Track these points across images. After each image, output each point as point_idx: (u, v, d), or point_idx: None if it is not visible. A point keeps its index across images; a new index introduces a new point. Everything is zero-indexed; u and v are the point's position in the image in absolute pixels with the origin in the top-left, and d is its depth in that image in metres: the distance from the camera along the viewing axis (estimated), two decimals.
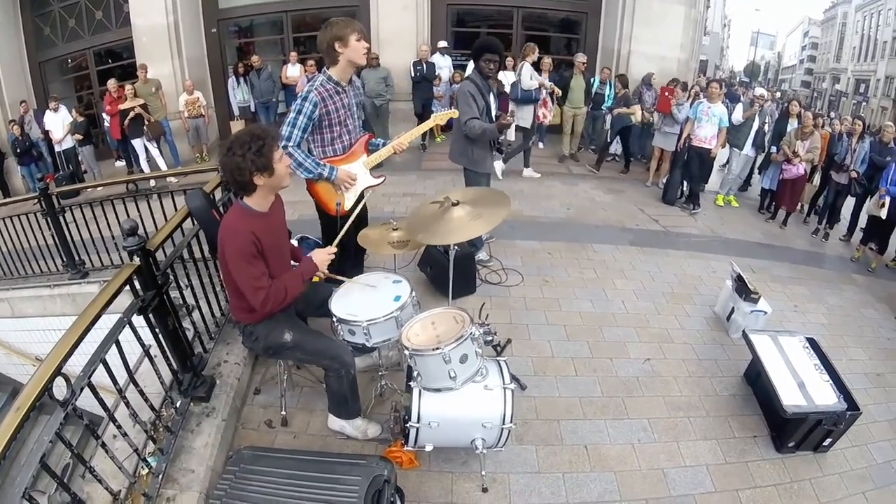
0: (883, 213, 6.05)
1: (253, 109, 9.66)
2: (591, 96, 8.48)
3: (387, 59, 8.87)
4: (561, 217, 6.34)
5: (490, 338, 2.59)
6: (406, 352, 2.40)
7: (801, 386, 3.20)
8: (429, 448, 2.55)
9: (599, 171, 8.18)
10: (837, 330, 4.63)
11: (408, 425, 2.47)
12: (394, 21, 8.89)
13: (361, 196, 3.39)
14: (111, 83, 8.92)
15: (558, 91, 8.02)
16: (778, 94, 13.24)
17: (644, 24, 8.81)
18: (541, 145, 9.34)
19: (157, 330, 2.76)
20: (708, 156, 7.01)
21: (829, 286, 5.48)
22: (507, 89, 7.97)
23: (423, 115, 9.04)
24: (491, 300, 4.08)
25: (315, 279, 2.76)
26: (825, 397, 3.14)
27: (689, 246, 5.78)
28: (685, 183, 7.24)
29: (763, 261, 5.74)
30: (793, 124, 7.10)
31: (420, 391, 2.47)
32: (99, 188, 6.35)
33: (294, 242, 3.50)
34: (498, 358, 2.67)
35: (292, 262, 2.76)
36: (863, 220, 6.71)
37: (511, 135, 8.86)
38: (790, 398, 3.09)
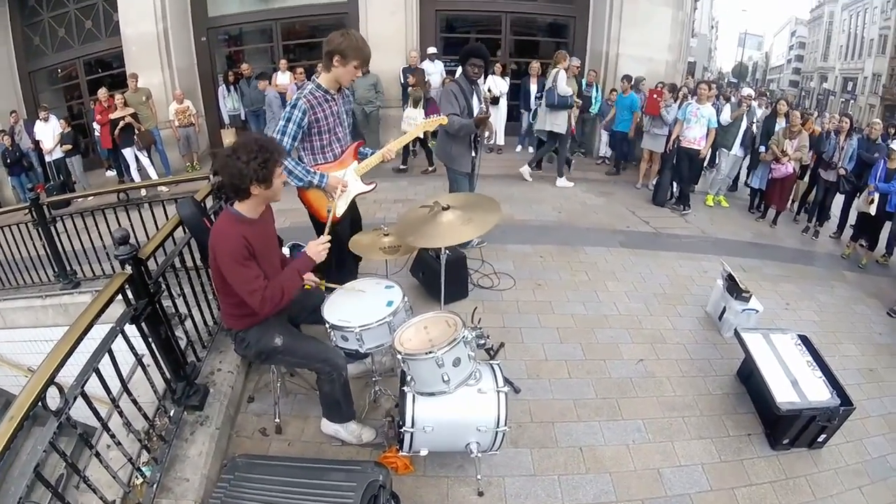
0: (872, 210, 6.10)
1: (243, 118, 9.63)
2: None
3: (376, 65, 8.80)
4: (552, 220, 6.35)
5: (483, 341, 2.59)
6: (399, 356, 2.39)
7: (794, 383, 3.22)
8: (423, 453, 2.56)
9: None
10: (829, 326, 4.65)
11: (402, 430, 2.47)
12: (382, 26, 8.88)
13: (353, 203, 3.39)
14: (101, 92, 8.88)
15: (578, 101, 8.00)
16: (763, 93, 13.30)
17: (631, 26, 8.85)
18: (530, 150, 9.38)
19: (149, 339, 2.75)
20: (697, 156, 7.07)
21: (820, 283, 5.51)
22: (495, 93, 8.12)
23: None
24: (483, 304, 4.09)
25: (307, 286, 2.76)
26: (818, 393, 3.15)
27: (679, 247, 5.81)
28: (675, 184, 7.28)
29: (754, 260, 5.77)
30: (781, 123, 7.15)
31: (414, 396, 2.47)
32: (90, 198, 6.31)
33: (286, 250, 3.49)
34: (491, 361, 2.67)
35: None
36: (852, 217, 6.76)
37: (501, 139, 8.91)
38: (783, 395, 3.11)
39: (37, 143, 9.39)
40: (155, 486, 2.55)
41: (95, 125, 9.15)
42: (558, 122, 7.43)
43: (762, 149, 7.23)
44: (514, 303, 4.37)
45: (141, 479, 2.57)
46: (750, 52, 64.66)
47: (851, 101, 36.24)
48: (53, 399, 1.99)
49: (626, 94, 8.22)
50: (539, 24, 10.49)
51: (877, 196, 6.04)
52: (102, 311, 2.43)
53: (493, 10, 9.91)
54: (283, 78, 9.36)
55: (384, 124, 9.03)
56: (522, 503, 2.67)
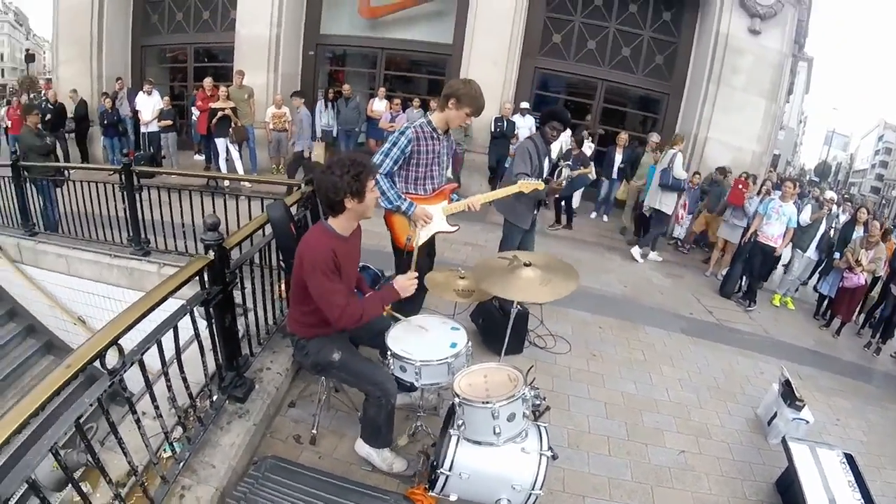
0: None
1: (335, 135, 9.93)
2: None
3: None
4: (617, 293, 6.30)
5: (538, 402, 2.55)
6: (456, 399, 2.38)
7: (831, 501, 3.04)
8: (453, 498, 2.50)
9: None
10: (876, 449, 4.36)
11: (438, 471, 2.43)
12: (482, 75, 8.89)
13: (432, 239, 3.48)
14: (207, 81, 9.41)
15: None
16: (847, 198, 12.83)
17: (724, 112, 8.77)
18: (605, 218, 9.38)
19: (212, 324, 2.83)
20: (772, 254, 6.86)
21: (873, 402, 5.20)
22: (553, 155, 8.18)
23: (496, 169, 9.24)
24: (537, 364, 4.03)
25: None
26: None
27: (740, 342, 5.62)
28: (744, 278, 7.08)
29: (811, 368, 5.52)
30: (859, 231, 6.87)
31: (458, 439, 2.43)
32: (174, 176, 6.65)
33: None
34: (539, 423, 2.62)
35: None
36: None
37: (576, 202, 8.86)
38: None
39: (136, 112, 9.98)
40: (182, 463, 2.59)
41: (195, 110, 9.63)
42: (667, 203, 7.50)
43: (837, 255, 6.95)
44: (566, 368, 4.32)
45: (169, 454, 2.62)
46: (835, 151, 62.76)
47: None
48: (111, 358, 2.05)
49: (575, 154, 8.06)
50: (631, 95, 10.51)
51: None
52: (178, 287, 2.53)
53: (590, 75, 9.98)
54: (378, 105, 9.66)
55: (468, 167, 9.22)
56: None
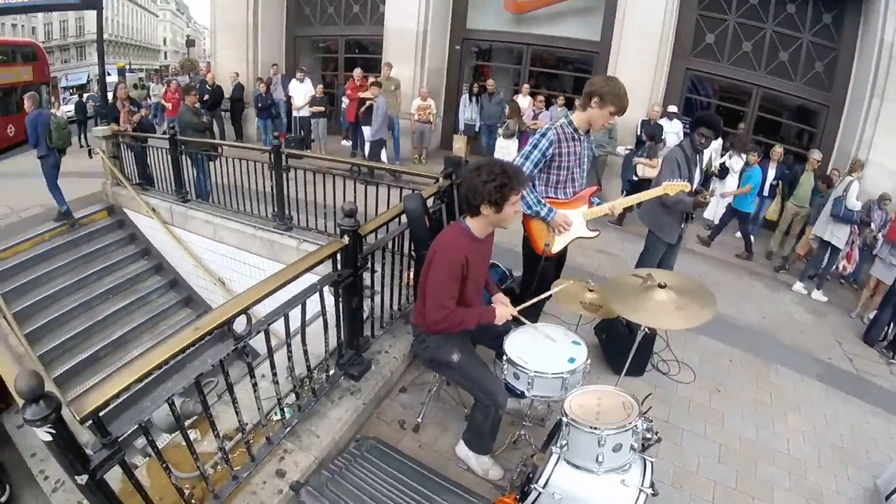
0: None
1: (477, 129, 10.05)
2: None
3: None
4: (753, 324, 5.84)
5: (650, 436, 2.45)
6: (564, 419, 2.36)
7: None
8: None
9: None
10: None
11: (532, 486, 2.43)
12: (631, 74, 8.42)
13: (565, 248, 3.44)
14: (357, 72, 9.95)
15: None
16: None
17: (887, 133, 7.62)
18: (751, 239, 8.65)
19: (339, 302, 3.02)
20: None
21: None
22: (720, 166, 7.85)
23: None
24: (656, 390, 3.88)
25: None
26: None
27: (876, 400, 4.94)
28: (892, 325, 6.24)
29: None
30: None
31: (559, 459, 2.41)
32: (322, 160, 7.12)
33: None
34: (644, 456, 2.53)
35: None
36: None
37: (714, 215, 8.28)
38: None
39: (289, 97, 10.78)
40: (288, 428, 2.78)
41: (345, 98, 10.21)
42: (838, 236, 6.80)
43: None
44: (686, 400, 4.09)
45: (279, 417, 2.82)
46: None
47: None
48: (240, 325, 2.25)
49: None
50: (787, 104, 9.50)
51: None
52: (312, 267, 2.75)
53: (744, 80, 9.21)
54: (522, 101, 9.65)
55: (609, 170, 8.92)
56: None
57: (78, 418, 1.69)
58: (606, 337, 4.22)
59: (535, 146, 3.20)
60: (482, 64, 11.57)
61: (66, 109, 16.71)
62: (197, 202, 7.27)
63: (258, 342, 2.44)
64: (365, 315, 3.41)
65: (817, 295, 7.01)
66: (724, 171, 8.11)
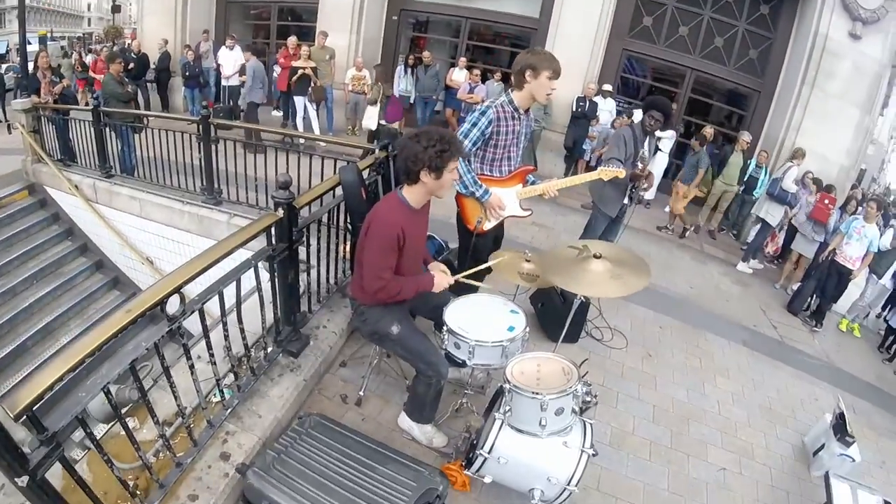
0: None
1: (412, 101, 9.91)
2: (745, 178, 8.05)
3: None
4: (682, 294, 6.10)
5: (589, 399, 2.51)
6: (507, 385, 2.37)
7: None
8: (487, 480, 2.52)
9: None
10: None
11: (477, 451, 2.45)
12: (568, 51, 8.55)
13: (501, 221, 3.42)
14: (291, 40, 9.54)
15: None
16: None
17: (814, 118, 8.19)
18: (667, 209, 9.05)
19: (275, 278, 2.90)
20: (848, 275, 6.46)
21: None
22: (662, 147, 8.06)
23: (572, 149, 9.05)
24: (591, 356, 3.98)
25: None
26: None
27: (799, 364, 5.35)
28: (814, 296, 6.71)
29: (866, 403, 5.17)
30: None
31: (502, 424, 2.44)
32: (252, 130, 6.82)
33: None
34: (584, 418, 2.59)
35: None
36: None
37: (652, 194, 8.55)
38: None
39: (218, 66, 10.24)
40: (229, 410, 2.68)
41: (276, 67, 9.84)
42: (773, 214, 7.31)
43: None
44: (620, 364, 4.23)
45: (218, 399, 2.72)
46: None
47: None
48: (172, 305, 2.12)
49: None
50: (720, 87, 9.96)
51: None
52: (246, 241, 2.61)
53: (680, 63, 9.49)
54: (458, 74, 9.59)
55: (543, 146, 9.01)
56: None
57: (11, 415, 1.52)
58: (542, 306, 4.31)
59: (474, 124, 3.14)
60: (419, 35, 11.41)
61: None
62: (122, 177, 6.82)
63: (192, 322, 2.33)
64: (301, 290, 3.30)
65: (742, 267, 7.45)
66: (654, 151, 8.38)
